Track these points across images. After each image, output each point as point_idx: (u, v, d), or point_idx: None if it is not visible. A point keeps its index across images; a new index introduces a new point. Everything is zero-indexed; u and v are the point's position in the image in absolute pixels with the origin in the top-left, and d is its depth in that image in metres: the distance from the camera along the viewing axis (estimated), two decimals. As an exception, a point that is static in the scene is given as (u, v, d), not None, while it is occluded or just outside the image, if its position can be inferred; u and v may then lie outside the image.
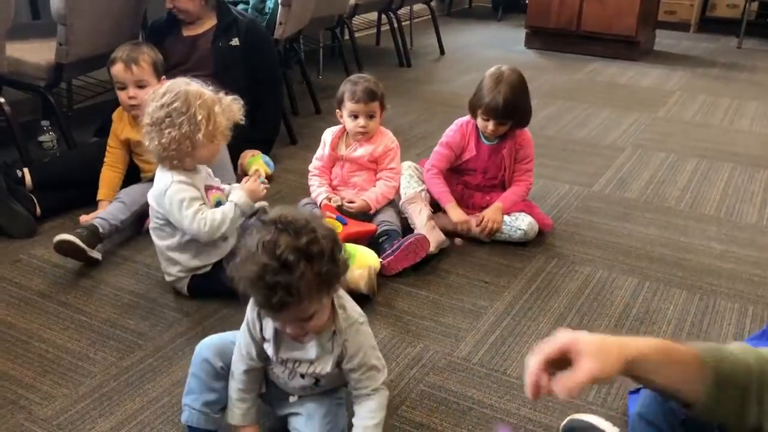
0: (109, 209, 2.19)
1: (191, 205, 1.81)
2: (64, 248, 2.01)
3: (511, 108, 2.18)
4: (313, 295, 1.15)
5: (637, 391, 1.54)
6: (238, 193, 1.89)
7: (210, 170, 1.95)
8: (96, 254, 2.08)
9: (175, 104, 1.74)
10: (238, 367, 1.35)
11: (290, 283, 1.11)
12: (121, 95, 2.29)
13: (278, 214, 1.17)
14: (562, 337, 0.92)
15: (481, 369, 1.69)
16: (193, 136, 1.76)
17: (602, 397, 1.61)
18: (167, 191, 1.80)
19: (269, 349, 1.31)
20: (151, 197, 1.86)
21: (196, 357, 1.40)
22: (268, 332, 1.30)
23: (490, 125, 2.23)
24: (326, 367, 1.29)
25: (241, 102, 1.86)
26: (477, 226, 2.26)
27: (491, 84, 2.20)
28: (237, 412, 1.38)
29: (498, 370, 1.69)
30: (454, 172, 2.39)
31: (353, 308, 1.33)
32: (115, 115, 2.40)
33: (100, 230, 2.10)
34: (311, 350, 1.29)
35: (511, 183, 2.37)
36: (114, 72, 2.27)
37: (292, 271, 1.11)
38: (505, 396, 1.60)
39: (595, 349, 0.89)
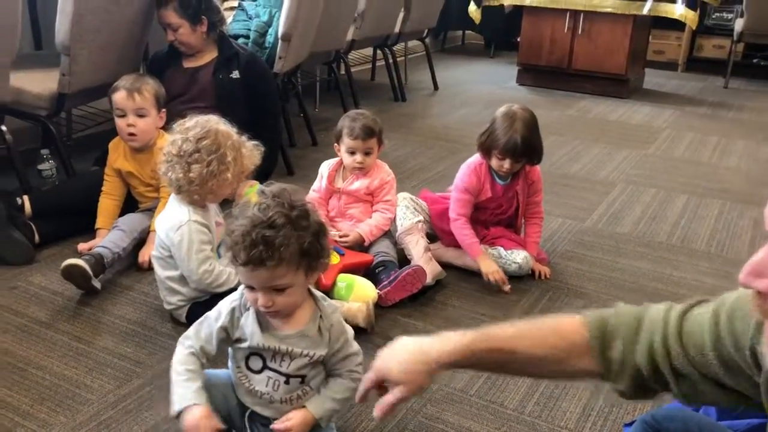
0: (110, 238, 2.21)
1: (202, 250, 1.83)
2: (71, 273, 2.01)
3: (529, 145, 2.20)
4: (291, 263, 1.22)
5: (631, 423, 1.56)
6: None
7: (216, 206, 1.97)
8: (97, 283, 2.08)
9: (205, 141, 1.76)
10: (185, 349, 1.34)
11: (273, 242, 1.19)
12: (120, 123, 2.31)
13: (279, 188, 1.27)
14: (376, 370, 1.10)
15: (479, 401, 1.70)
16: (220, 175, 1.79)
17: (599, 428, 1.62)
18: (181, 228, 1.82)
19: (249, 339, 1.31)
20: (161, 228, 1.87)
21: None
22: (249, 325, 1.31)
23: (506, 164, 2.23)
24: (319, 350, 1.33)
25: (262, 148, 1.90)
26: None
27: (506, 123, 2.20)
28: (189, 391, 1.29)
29: (495, 402, 1.70)
30: None
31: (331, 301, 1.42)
32: (111, 145, 2.42)
33: (105, 260, 2.11)
34: (300, 339, 1.32)
35: (524, 217, 2.40)
36: (116, 99, 2.29)
37: (277, 231, 1.20)
38: (502, 428, 1.61)
39: (403, 376, 1.06)
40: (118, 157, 2.38)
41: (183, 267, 1.84)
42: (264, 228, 1.19)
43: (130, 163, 2.36)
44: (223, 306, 1.34)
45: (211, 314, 1.35)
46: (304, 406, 1.36)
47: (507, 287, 2.22)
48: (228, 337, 1.34)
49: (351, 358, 1.39)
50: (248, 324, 1.31)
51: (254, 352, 1.33)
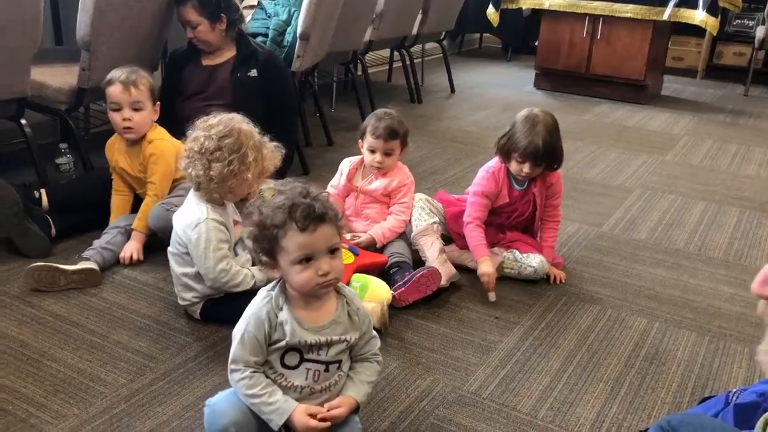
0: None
1: (219, 249, 1.83)
2: (36, 278, 2.04)
3: (550, 150, 2.17)
4: (335, 222, 1.28)
5: (646, 430, 1.54)
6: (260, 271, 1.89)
7: (233, 204, 1.97)
8: (86, 264, 2.11)
9: (228, 140, 1.77)
10: (244, 374, 1.32)
11: (322, 199, 1.28)
12: (115, 117, 2.27)
13: (286, 180, 1.35)
14: None
15: (491, 404, 1.69)
16: (240, 174, 1.79)
17: (613, 436, 1.61)
18: (199, 225, 1.82)
19: (289, 336, 1.30)
20: (179, 224, 1.87)
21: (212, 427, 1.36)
22: (288, 323, 1.31)
23: (526, 168, 2.20)
24: (354, 333, 1.37)
25: (283, 150, 1.91)
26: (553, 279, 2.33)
27: (527, 127, 2.17)
28: (280, 401, 1.32)
29: (508, 405, 1.69)
30: None
31: None
32: (107, 145, 2.40)
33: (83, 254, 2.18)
34: (335, 327, 1.34)
35: (541, 220, 2.37)
36: (111, 92, 2.25)
37: (319, 193, 1.29)
38: None
39: None
40: (113, 153, 2.38)
41: (200, 265, 1.85)
42: (308, 194, 1.27)
43: (123, 157, 2.35)
44: (257, 313, 1.32)
45: (246, 327, 1.32)
46: (347, 394, 1.38)
47: (492, 296, 2.17)
48: (266, 340, 1.32)
49: (373, 341, 1.43)
50: (287, 322, 1.31)
51: (291, 348, 1.33)
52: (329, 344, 1.33)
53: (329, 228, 1.27)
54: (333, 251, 1.29)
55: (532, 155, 2.17)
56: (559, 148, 2.23)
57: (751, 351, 1.98)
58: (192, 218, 1.84)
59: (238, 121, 1.82)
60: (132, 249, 2.24)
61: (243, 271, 1.88)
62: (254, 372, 1.33)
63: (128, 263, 2.23)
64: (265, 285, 1.42)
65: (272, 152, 1.87)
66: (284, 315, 1.32)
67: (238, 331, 1.33)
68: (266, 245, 1.29)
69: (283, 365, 1.34)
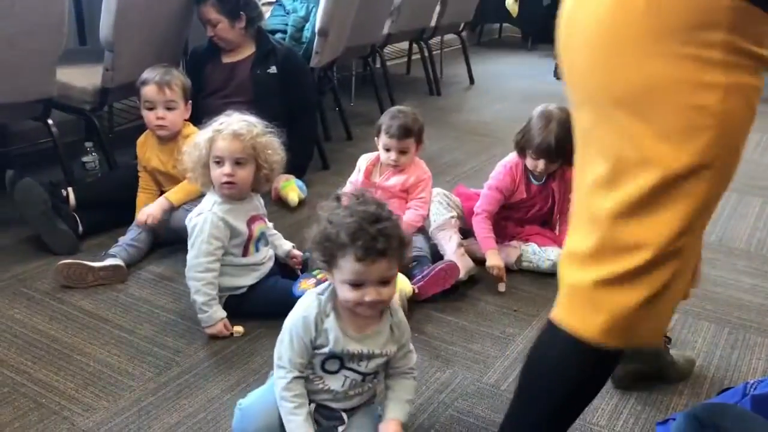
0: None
1: (209, 243, 1.84)
2: (64, 274, 2.10)
3: (563, 147, 2.17)
4: (396, 253, 1.27)
5: (665, 422, 1.55)
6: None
7: (261, 200, 2.01)
8: (113, 261, 2.16)
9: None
10: (286, 376, 1.35)
11: (389, 232, 1.24)
12: (149, 116, 2.34)
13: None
14: None
15: (510, 396, 1.70)
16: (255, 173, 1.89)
17: (630, 427, 1.62)
18: (201, 215, 1.87)
19: (332, 344, 1.32)
20: (191, 214, 1.94)
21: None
22: (332, 331, 1.33)
23: (541, 164, 2.22)
24: (393, 347, 1.38)
25: (278, 140, 1.94)
26: None
27: (541, 123, 2.18)
28: (299, 418, 1.34)
29: (526, 397, 1.71)
30: (500, 208, 2.39)
31: None
32: (138, 143, 2.45)
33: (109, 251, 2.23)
34: (377, 338, 1.36)
35: (560, 213, 2.37)
36: (145, 92, 2.32)
37: (386, 222, 1.25)
38: (533, 423, 1.62)
39: None
40: (145, 152, 2.43)
41: (189, 253, 1.88)
42: (375, 222, 1.24)
43: (155, 154, 2.40)
44: (306, 316, 1.33)
45: (295, 330, 1.34)
46: (392, 417, 1.40)
47: (502, 287, 2.20)
48: (311, 344, 1.35)
49: (410, 356, 1.45)
50: (331, 330, 1.33)
51: (333, 355, 1.35)
52: (370, 357, 1.35)
53: (387, 262, 1.25)
54: (385, 282, 1.28)
55: (545, 152, 2.18)
56: (574, 143, 2.22)
57: (771, 342, 1.98)
58: (200, 207, 1.91)
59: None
60: (149, 212, 2.26)
61: (216, 284, 1.87)
62: (296, 378, 1.35)
63: (145, 226, 2.27)
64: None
65: (277, 152, 1.91)
66: (330, 323, 1.33)
67: (286, 330, 1.35)
68: (326, 255, 1.28)
69: (323, 369, 1.37)
